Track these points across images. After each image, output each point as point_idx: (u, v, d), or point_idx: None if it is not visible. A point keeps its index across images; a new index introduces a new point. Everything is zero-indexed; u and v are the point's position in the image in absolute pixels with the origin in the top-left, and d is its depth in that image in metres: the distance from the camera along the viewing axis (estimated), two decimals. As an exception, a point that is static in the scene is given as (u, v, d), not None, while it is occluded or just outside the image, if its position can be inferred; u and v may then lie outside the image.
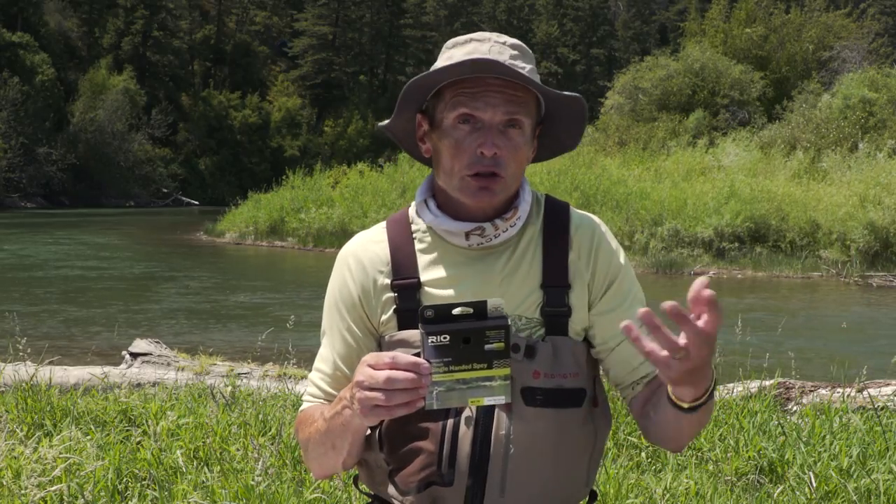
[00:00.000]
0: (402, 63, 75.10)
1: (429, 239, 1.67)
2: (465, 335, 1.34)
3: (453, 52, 1.64)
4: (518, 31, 77.72)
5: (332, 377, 1.70)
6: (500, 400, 1.36)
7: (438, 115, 1.62)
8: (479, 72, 1.56)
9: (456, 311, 1.36)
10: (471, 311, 1.36)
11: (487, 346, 1.34)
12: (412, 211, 1.72)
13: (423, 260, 1.66)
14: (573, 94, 1.62)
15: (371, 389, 1.35)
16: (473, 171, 1.58)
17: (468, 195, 1.59)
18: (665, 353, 1.31)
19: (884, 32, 47.77)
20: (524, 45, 1.65)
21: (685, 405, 1.44)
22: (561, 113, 1.67)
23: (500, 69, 1.54)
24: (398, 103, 1.65)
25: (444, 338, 1.34)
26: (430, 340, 1.34)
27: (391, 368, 1.34)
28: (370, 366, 1.36)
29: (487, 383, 1.34)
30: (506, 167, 1.58)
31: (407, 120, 1.70)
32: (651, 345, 1.31)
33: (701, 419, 1.50)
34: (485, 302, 1.36)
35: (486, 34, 1.64)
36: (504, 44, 1.62)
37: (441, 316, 1.35)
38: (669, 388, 1.44)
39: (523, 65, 1.60)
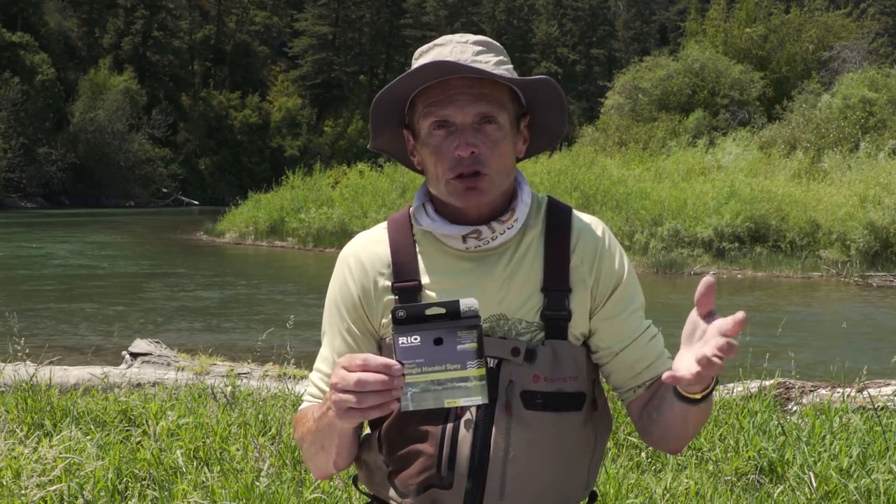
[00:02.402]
0: (402, 63, 74.99)
1: (428, 241, 1.67)
2: (437, 336, 1.34)
3: (419, 62, 1.62)
4: (518, 31, 77.80)
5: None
6: (477, 401, 1.34)
7: (416, 126, 1.62)
8: (438, 76, 1.55)
9: (429, 311, 1.35)
10: (443, 311, 1.35)
11: (460, 347, 1.33)
12: (412, 213, 1.71)
13: (423, 262, 1.65)
14: (541, 76, 1.61)
15: (344, 392, 1.35)
16: (456, 173, 1.57)
17: (457, 198, 1.59)
18: (697, 371, 1.36)
19: (884, 32, 47.75)
20: (492, 40, 1.64)
21: (698, 396, 1.47)
22: (539, 99, 1.65)
23: (458, 68, 1.53)
24: (371, 121, 1.64)
25: (415, 339, 1.33)
26: (400, 341, 1.33)
27: (363, 370, 1.33)
28: (344, 367, 1.36)
29: (463, 384, 1.33)
30: (487, 163, 1.57)
31: (395, 137, 1.70)
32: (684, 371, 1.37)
33: (705, 411, 1.53)
34: (457, 302, 1.35)
35: (450, 37, 1.63)
36: (466, 42, 1.61)
37: (413, 317, 1.34)
38: (681, 388, 1.47)
39: (489, 58, 1.59)
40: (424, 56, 1.63)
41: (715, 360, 1.33)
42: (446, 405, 1.34)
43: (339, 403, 1.36)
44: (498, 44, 1.65)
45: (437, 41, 1.64)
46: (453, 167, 1.57)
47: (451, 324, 1.34)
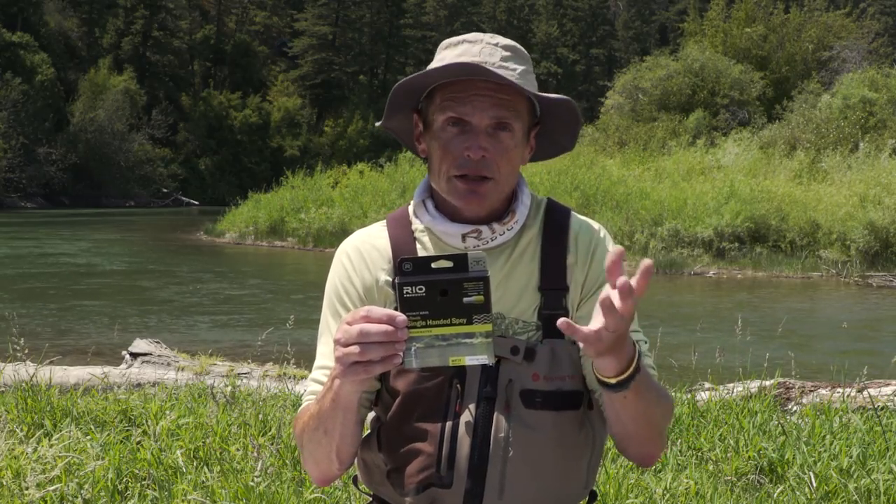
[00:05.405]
0: (402, 63, 75.05)
1: (427, 239, 1.67)
2: (442, 286, 1.29)
3: (445, 54, 1.63)
4: (518, 31, 77.73)
5: None
6: (483, 360, 1.30)
7: (430, 116, 1.62)
8: (466, 75, 1.56)
9: (435, 264, 1.32)
10: (451, 264, 1.31)
11: (466, 300, 1.29)
12: (411, 210, 1.71)
13: None
14: (562, 97, 1.60)
15: (347, 345, 1.33)
16: (461, 172, 1.57)
17: (457, 197, 1.59)
18: (597, 327, 1.29)
19: (884, 32, 47.77)
20: (519, 45, 1.64)
21: (612, 381, 1.40)
22: (555, 114, 1.66)
23: (486, 73, 1.53)
24: (387, 106, 1.65)
25: (420, 289, 1.30)
26: (405, 291, 1.30)
27: (366, 321, 1.31)
28: (347, 323, 1.34)
29: (468, 340, 1.30)
30: (495, 169, 1.57)
31: (405, 118, 1.70)
32: (585, 329, 1.29)
33: (637, 405, 1.46)
34: (465, 255, 1.32)
35: (480, 35, 1.63)
36: (496, 45, 1.61)
37: (419, 269, 1.31)
38: (594, 368, 1.41)
39: (515, 66, 1.59)
40: (451, 49, 1.63)
41: (613, 302, 1.26)
42: (451, 363, 1.30)
43: (342, 359, 1.33)
44: (525, 51, 1.64)
45: (467, 37, 1.63)
46: (459, 166, 1.57)
47: (456, 275, 1.30)
